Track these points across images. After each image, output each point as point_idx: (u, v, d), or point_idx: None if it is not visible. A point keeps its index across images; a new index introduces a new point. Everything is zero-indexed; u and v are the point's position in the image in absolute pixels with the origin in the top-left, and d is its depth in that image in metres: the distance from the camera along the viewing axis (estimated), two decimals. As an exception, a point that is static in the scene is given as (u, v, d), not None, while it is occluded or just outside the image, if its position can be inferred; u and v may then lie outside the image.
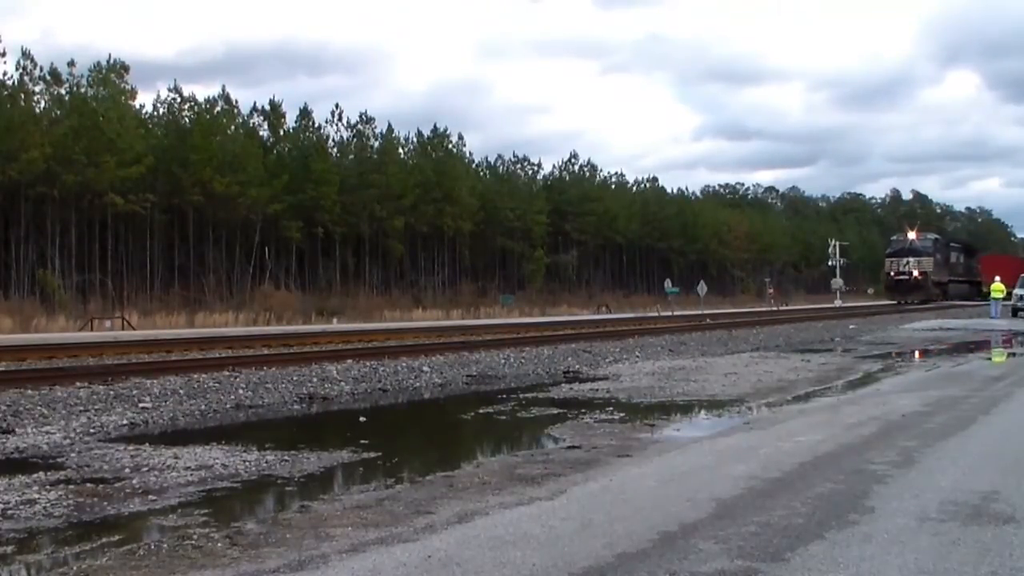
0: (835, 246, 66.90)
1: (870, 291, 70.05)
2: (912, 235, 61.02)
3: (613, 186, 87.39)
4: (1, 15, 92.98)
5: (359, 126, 63.96)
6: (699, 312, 44.51)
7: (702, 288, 53.48)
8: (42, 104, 49.27)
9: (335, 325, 38.33)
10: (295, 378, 13.78)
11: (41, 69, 48.55)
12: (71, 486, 6.96)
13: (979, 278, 70.02)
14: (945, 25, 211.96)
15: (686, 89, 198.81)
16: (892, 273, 59.28)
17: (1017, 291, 40.28)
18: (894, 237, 64.52)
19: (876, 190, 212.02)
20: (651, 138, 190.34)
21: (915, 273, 57.60)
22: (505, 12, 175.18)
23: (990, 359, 19.70)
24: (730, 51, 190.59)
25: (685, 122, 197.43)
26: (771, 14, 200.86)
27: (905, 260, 58.40)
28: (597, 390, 13.48)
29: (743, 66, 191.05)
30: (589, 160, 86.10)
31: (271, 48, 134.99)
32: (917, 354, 20.51)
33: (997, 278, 43.30)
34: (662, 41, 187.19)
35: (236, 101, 57.80)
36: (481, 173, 74.57)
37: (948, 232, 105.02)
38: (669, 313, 46.32)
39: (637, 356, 19.16)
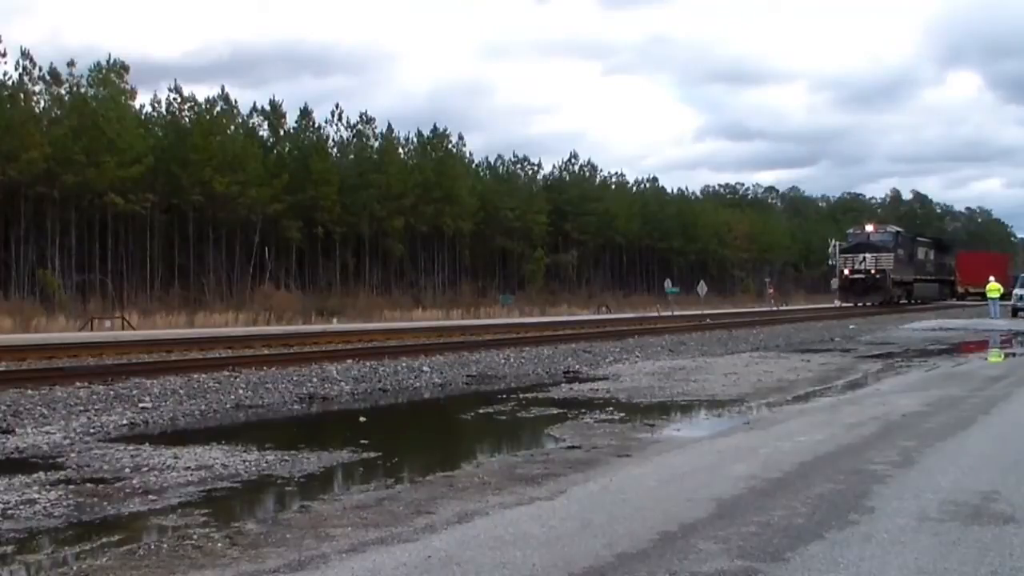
0: (835, 246, 66.37)
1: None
2: (870, 228, 55.06)
3: (613, 186, 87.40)
4: (8, 15, 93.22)
5: (359, 126, 64.08)
6: (699, 312, 44.53)
7: (702, 288, 53.52)
8: (42, 104, 49.32)
9: (335, 325, 38.32)
10: (295, 378, 13.77)
11: (40, 69, 48.65)
12: (71, 486, 6.96)
13: (952, 277, 65.73)
14: (947, 26, 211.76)
15: (688, 90, 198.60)
16: (847, 271, 51.97)
17: (1017, 291, 40.28)
18: (850, 231, 58.04)
19: (877, 190, 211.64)
20: (653, 139, 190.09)
21: (872, 271, 50.65)
22: (510, 13, 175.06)
23: (990, 359, 19.70)
24: (733, 52, 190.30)
25: (687, 123, 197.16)
26: (774, 15, 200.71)
27: (861, 257, 51.40)
28: (597, 390, 13.48)
29: (746, 67, 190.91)
30: (589, 160, 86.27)
31: (276, 49, 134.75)
32: (917, 354, 20.49)
33: (992, 278, 43.26)
34: (665, 42, 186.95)
35: (236, 101, 57.93)
36: (481, 173, 74.62)
37: (945, 229, 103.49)
38: (669, 313, 46.31)
39: (637, 356, 19.16)
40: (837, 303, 56.88)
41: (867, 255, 51.25)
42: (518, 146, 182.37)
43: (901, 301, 52.89)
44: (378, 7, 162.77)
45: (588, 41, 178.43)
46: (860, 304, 49.65)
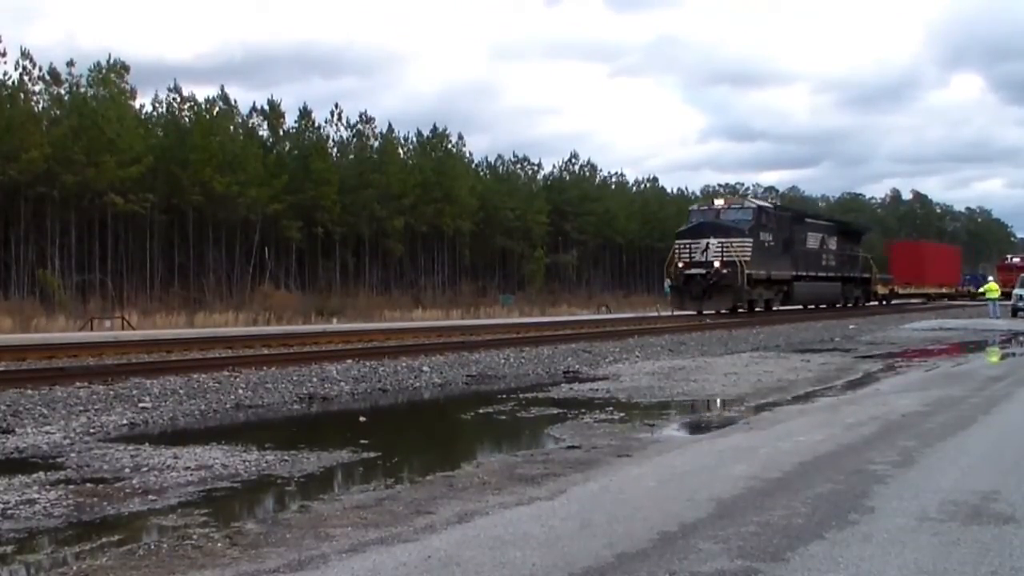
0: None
1: None
2: (719, 203, 38.34)
3: (613, 186, 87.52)
4: (24, 18, 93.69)
5: (359, 126, 64.11)
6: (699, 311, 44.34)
7: (702, 287, 53.05)
8: (42, 104, 49.33)
9: (335, 325, 38.27)
10: (295, 378, 13.77)
11: (40, 69, 48.68)
12: (71, 486, 6.96)
13: (868, 274, 49.77)
14: (950, 28, 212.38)
15: (694, 91, 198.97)
16: (681, 265, 35.38)
17: (1017, 291, 40.31)
18: (693, 208, 40.80)
19: (878, 190, 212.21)
20: (658, 140, 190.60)
21: (717, 264, 34.39)
22: (519, 16, 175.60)
23: (990, 359, 19.70)
24: (738, 54, 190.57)
25: (692, 124, 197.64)
26: (778, 17, 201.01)
27: (704, 243, 34.92)
28: (597, 390, 13.47)
29: (750, 69, 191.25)
30: (589, 160, 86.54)
31: (288, 51, 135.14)
32: (917, 354, 20.50)
33: (990, 277, 43.16)
34: (672, 44, 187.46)
35: (235, 101, 57.98)
36: (481, 173, 74.68)
37: (945, 229, 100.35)
38: (669, 313, 46.24)
39: (637, 356, 19.15)
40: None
41: (711, 240, 34.96)
42: (524, 147, 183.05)
43: (772, 307, 38.44)
44: (389, 10, 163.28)
45: (596, 43, 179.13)
46: (701, 312, 35.08)
